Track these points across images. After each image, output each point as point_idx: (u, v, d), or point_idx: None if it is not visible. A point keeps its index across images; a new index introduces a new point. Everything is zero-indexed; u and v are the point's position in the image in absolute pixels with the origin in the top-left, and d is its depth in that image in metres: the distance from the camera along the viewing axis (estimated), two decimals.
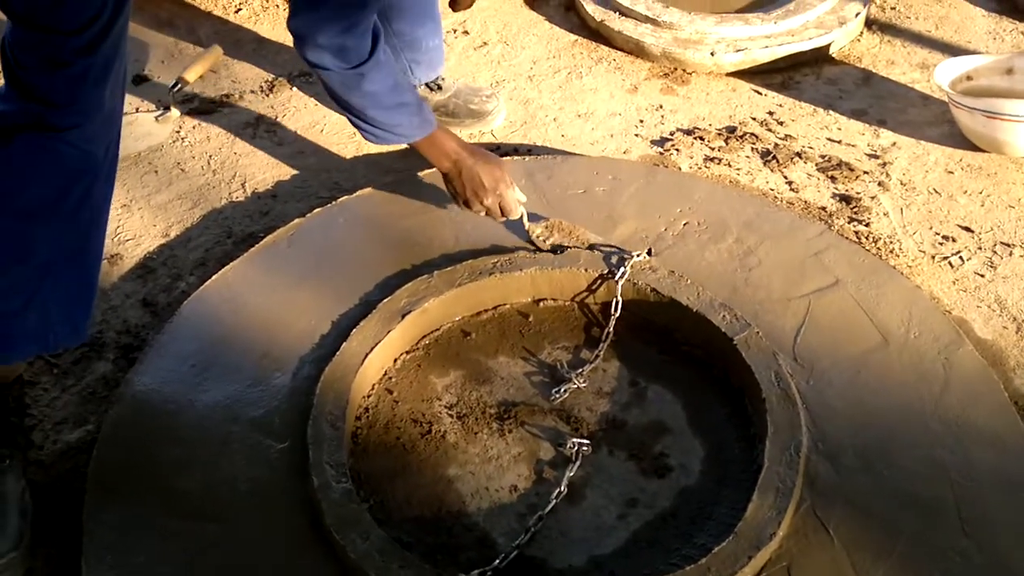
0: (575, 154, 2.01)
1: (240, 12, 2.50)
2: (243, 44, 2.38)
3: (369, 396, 1.52)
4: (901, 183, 1.92)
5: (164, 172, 1.99)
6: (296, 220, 1.79)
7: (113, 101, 1.32)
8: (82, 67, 1.23)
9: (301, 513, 1.31)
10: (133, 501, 1.32)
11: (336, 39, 1.50)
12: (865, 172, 1.94)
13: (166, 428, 1.41)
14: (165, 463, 1.37)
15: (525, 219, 1.70)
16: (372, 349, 1.51)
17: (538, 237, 1.70)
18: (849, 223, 1.82)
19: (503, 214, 1.67)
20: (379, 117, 1.62)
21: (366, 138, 1.70)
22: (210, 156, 2.03)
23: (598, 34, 2.39)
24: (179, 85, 2.15)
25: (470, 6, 1.72)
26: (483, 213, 1.67)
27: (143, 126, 2.12)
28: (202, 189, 1.95)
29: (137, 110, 2.16)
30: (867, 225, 1.82)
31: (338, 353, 1.50)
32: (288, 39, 2.35)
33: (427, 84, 2.05)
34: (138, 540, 1.27)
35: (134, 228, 1.86)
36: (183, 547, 1.27)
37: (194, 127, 2.11)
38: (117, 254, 1.79)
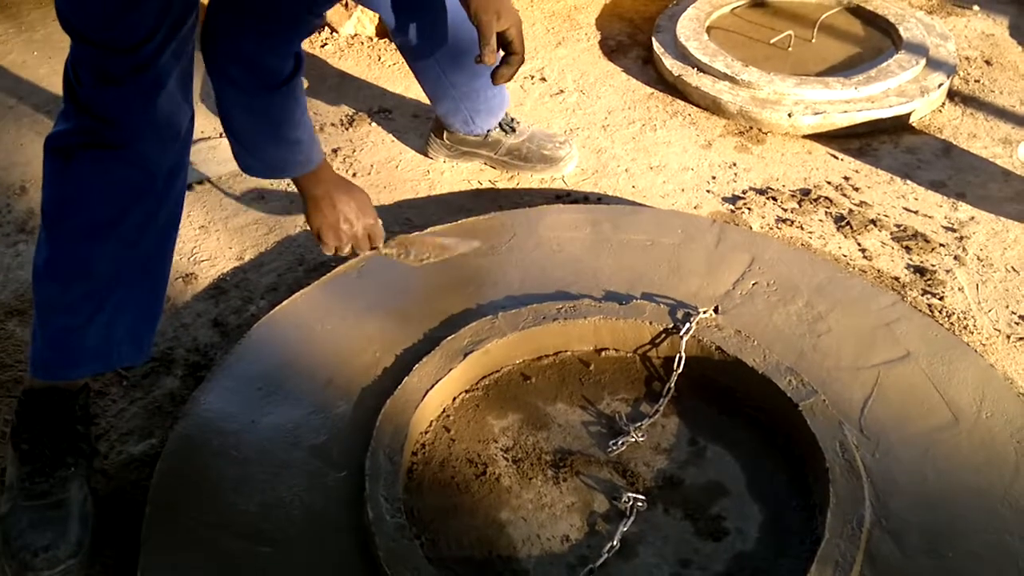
0: (644, 205, 2.02)
1: (325, 47, 2.57)
2: (326, 78, 2.45)
3: (427, 432, 1.53)
4: (978, 258, 1.88)
5: (243, 196, 2.05)
6: (368, 251, 1.82)
7: (173, 121, 1.33)
8: (133, 85, 1.25)
9: (353, 544, 1.31)
10: (191, 517, 1.34)
11: (254, 52, 1.31)
12: (941, 245, 1.91)
13: (228, 448, 1.43)
14: (225, 482, 1.39)
15: (383, 247, 1.64)
16: (433, 386, 1.52)
17: (397, 256, 1.66)
18: (922, 295, 1.79)
19: (369, 243, 1.59)
20: (268, 149, 1.45)
21: (243, 168, 1.51)
22: (288, 184, 2.08)
23: (675, 88, 2.40)
24: None
25: (510, 79, 1.70)
26: (347, 248, 1.57)
27: (226, 151, 2.18)
28: (278, 216, 2.00)
29: (221, 135, 2.23)
30: (941, 299, 1.78)
31: (399, 387, 1.51)
32: (370, 75, 2.45)
33: (501, 127, 2.08)
34: (194, 556, 1.29)
35: (210, 249, 1.91)
36: (237, 567, 1.28)
37: None
38: (192, 274, 1.84)
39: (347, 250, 1.58)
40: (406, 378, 1.52)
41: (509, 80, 1.70)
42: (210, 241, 1.93)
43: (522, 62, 1.68)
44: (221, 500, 1.36)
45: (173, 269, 1.80)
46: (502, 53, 1.65)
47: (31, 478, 1.35)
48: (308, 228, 1.94)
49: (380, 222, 1.60)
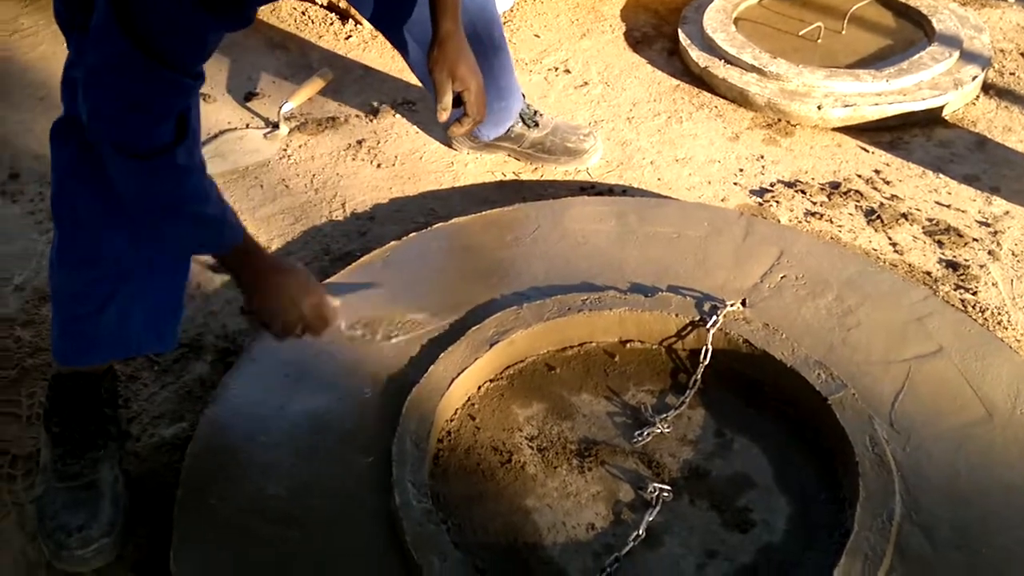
0: (670, 198, 2.01)
1: (350, 39, 2.58)
2: (351, 70, 2.45)
3: (452, 420, 1.53)
4: (1013, 254, 1.85)
5: (269, 187, 2.06)
6: (392, 243, 1.83)
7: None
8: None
9: (381, 528, 1.32)
10: (222, 500, 1.35)
11: (119, 111, 1.12)
12: (975, 239, 1.89)
13: (257, 432, 1.44)
14: (254, 466, 1.40)
15: (343, 325, 1.51)
16: (458, 375, 1.52)
17: (363, 337, 1.57)
18: (955, 290, 1.76)
19: (324, 323, 1.42)
20: (162, 226, 1.26)
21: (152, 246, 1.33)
22: (314, 175, 2.10)
23: (701, 80, 2.39)
24: (288, 105, 2.22)
25: (461, 135, 1.69)
26: (298, 329, 1.39)
27: (252, 142, 2.20)
28: (304, 206, 2.01)
29: (247, 126, 2.25)
30: (974, 294, 1.76)
31: (425, 376, 1.51)
32: (394, 67, 2.45)
33: (524, 121, 2.08)
34: (224, 538, 1.30)
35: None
36: (265, 550, 1.29)
37: (300, 146, 2.18)
38: None
39: (299, 333, 1.40)
40: (432, 367, 1.53)
41: (461, 135, 1.69)
42: None
43: (477, 122, 1.66)
44: (251, 484, 1.38)
45: (203, 256, 1.83)
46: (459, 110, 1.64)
47: (63, 460, 1.37)
48: (334, 220, 1.96)
49: (328, 299, 1.42)
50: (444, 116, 1.63)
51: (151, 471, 1.46)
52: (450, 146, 2.16)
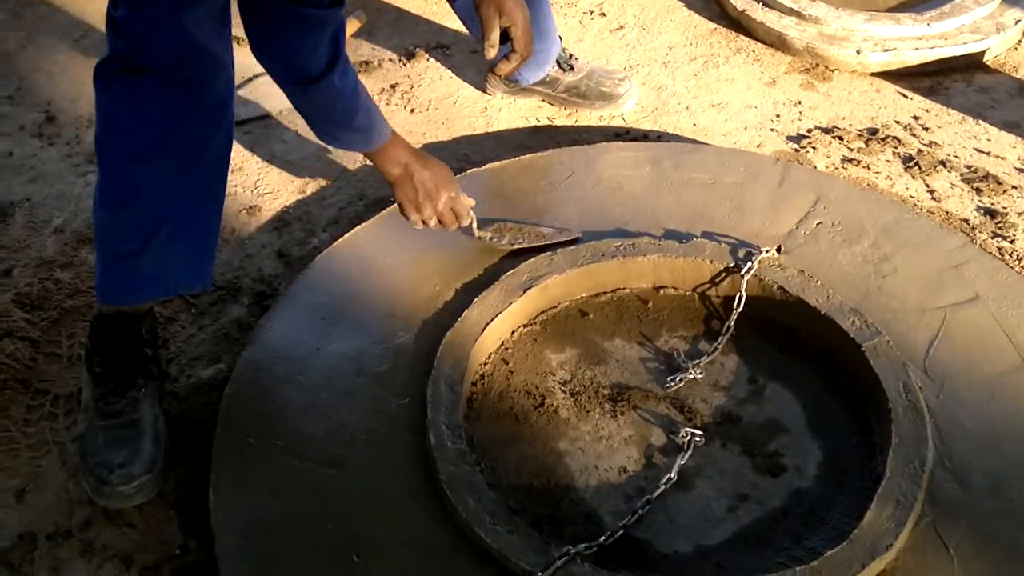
0: (706, 144, 1.99)
1: None
2: (385, 13, 2.43)
3: (485, 364, 1.54)
4: None
5: (304, 132, 2.06)
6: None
7: (206, 49, 1.30)
8: (156, 5, 1.23)
9: (415, 468, 1.34)
10: (260, 439, 1.38)
11: (276, 49, 1.36)
12: (1013, 187, 1.85)
13: (294, 373, 1.47)
14: (291, 406, 1.43)
15: (475, 224, 1.64)
16: (492, 319, 1.53)
17: (490, 240, 1.66)
18: (992, 238, 1.74)
19: (455, 219, 1.62)
20: (326, 128, 1.51)
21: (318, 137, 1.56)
22: None
23: (738, 24, 2.34)
24: None
25: (509, 74, 1.69)
26: (432, 221, 1.61)
27: None
28: (338, 151, 2.01)
29: None
30: (1012, 242, 1.73)
31: (459, 320, 1.52)
32: (428, 11, 2.42)
33: (559, 64, 2.05)
34: (262, 475, 1.33)
35: (272, 182, 1.93)
36: (303, 487, 1.32)
37: None
38: (255, 206, 1.87)
39: (433, 224, 1.60)
40: (466, 311, 1.54)
41: (508, 74, 1.71)
42: (272, 175, 1.95)
43: (524, 58, 1.64)
44: (288, 423, 1.40)
45: (238, 201, 1.84)
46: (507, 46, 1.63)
47: (104, 399, 1.40)
48: (368, 165, 1.96)
49: (465, 197, 1.62)
50: (492, 53, 1.61)
51: (189, 411, 1.49)
52: (484, 91, 2.14)
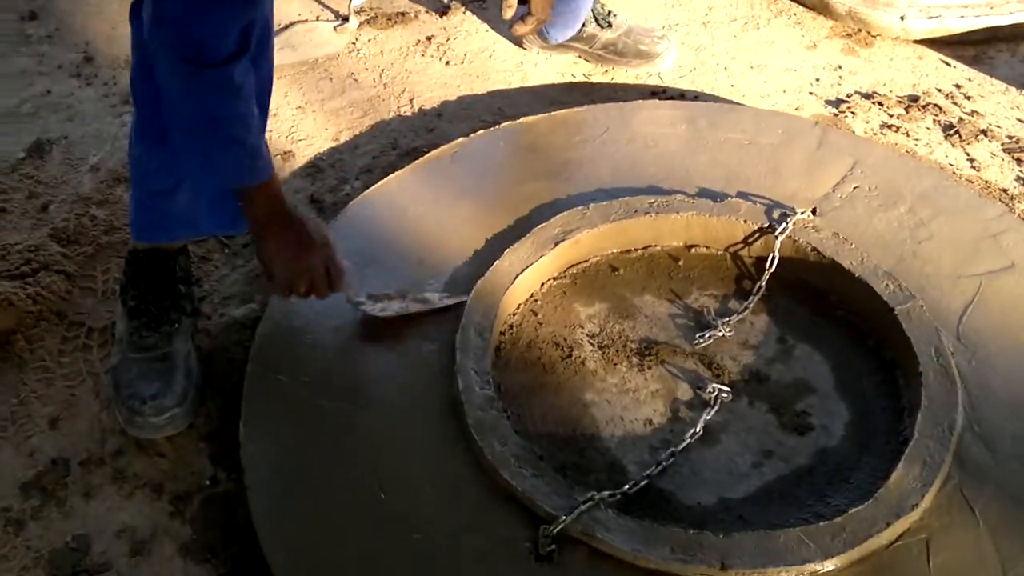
0: (743, 105, 1.97)
1: None
2: None
3: (514, 315, 1.55)
4: None
5: (338, 80, 2.06)
6: (460, 139, 1.82)
7: None
8: None
9: (442, 412, 1.35)
10: (290, 377, 1.39)
11: (183, 19, 1.10)
12: None
13: (325, 316, 1.47)
14: (321, 347, 1.44)
15: (352, 291, 1.42)
16: (523, 271, 1.53)
17: (368, 310, 1.44)
18: None
19: (331, 281, 1.35)
20: (208, 140, 1.21)
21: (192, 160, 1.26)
22: (382, 70, 2.08)
23: None
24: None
25: (524, 35, 1.64)
26: (301, 285, 1.33)
27: (322, 35, 2.19)
28: (372, 100, 2.01)
29: (317, 18, 2.23)
30: None
31: (490, 270, 1.53)
32: None
33: (597, 21, 2.03)
34: (291, 412, 1.35)
35: (307, 129, 1.93)
36: (331, 425, 1.34)
37: (369, 40, 2.16)
38: (289, 152, 1.87)
39: (303, 290, 1.34)
40: (497, 262, 1.54)
41: (524, 35, 1.65)
42: (307, 121, 1.95)
43: (540, 21, 1.59)
44: (318, 363, 1.41)
45: (272, 146, 1.85)
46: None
47: (138, 332, 1.42)
48: (402, 115, 1.95)
49: (338, 261, 1.35)
50: (508, 13, 1.59)
51: (221, 348, 1.50)
52: (520, 46, 2.13)
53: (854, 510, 1.20)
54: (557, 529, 1.19)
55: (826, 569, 1.16)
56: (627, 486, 1.27)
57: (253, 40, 1.16)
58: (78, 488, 1.33)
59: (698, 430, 1.35)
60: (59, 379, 1.45)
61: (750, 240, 1.61)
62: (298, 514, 1.24)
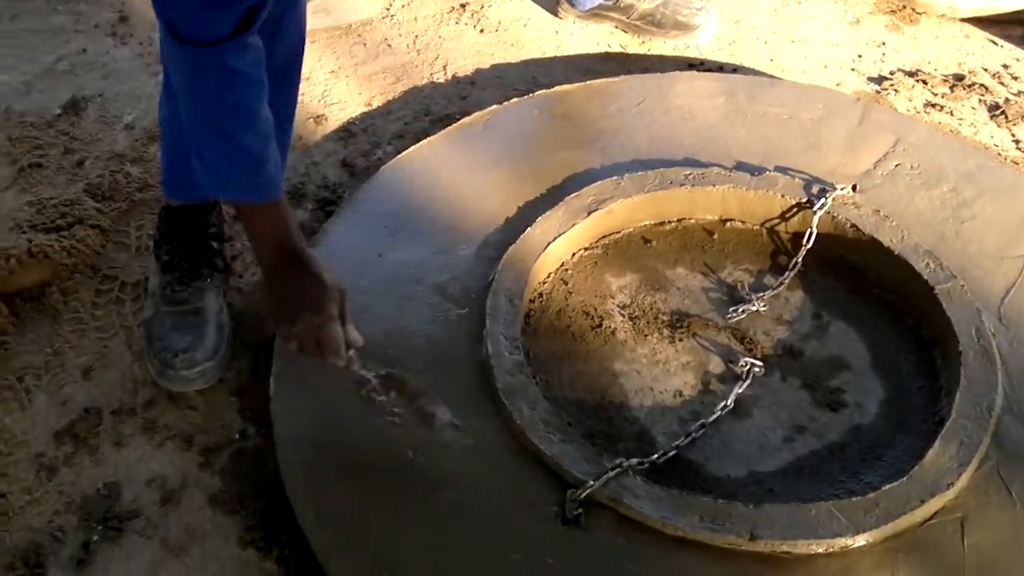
0: (783, 79, 1.93)
1: None
2: None
3: (545, 283, 1.53)
4: None
5: (372, 46, 2.05)
6: (493, 107, 1.81)
7: None
8: None
9: (471, 376, 1.34)
10: None
11: None
12: None
13: (355, 277, 1.47)
14: (351, 307, 1.43)
15: (355, 366, 1.23)
16: (555, 239, 1.52)
17: (368, 392, 1.26)
18: None
19: (320, 349, 1.18)
20: (206, 137, 1.09)
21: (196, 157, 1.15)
22: (416, 36, 2.07)
23: None
24: None
25: None
26: (292, 338, 1.18)
27: (356, 0, 2.18)
28: (406, 66, 1.99)
29: None
30: None
31: (522, 237, 1.51)
32: None
33: None
34: (321, 370, 1.34)
35: (339, 93, 1.92)
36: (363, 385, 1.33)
37: (403, 6, 2.14)
38: (322, 115, 1.86)
39: (294, 347, 1.19)
40: (529, 229, 1.53)
41: None
42: (340, 86, 1.94)
43: None
44: None
45: (305, 109, 1.84)
46: None
47: (171, 286, 1.42)
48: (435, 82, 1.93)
49: (337, 329, 1.17)
50: None
51: (252, 306, 1.50)
52: (555, 14, 2.10)
53: (888, 487, 1.18)
54: (585, 494, 1.18)
55: (857, 544, 1.14)
56: (656, 455, 1.26)
57: (256, 23, 1.02)
58: (109, 437, 1.34)
59: (729, 403, 1.34)
60: (92, 331, 1.46)
61: (787, 215, 1.59)
62: (326, 470, 1.25)
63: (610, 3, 2.01)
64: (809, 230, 1.53)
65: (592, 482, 1.18)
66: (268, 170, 1.10)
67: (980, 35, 2.04)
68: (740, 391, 1.35)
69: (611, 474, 1.19)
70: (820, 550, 1.14)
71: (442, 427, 1.24)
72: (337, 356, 1.18)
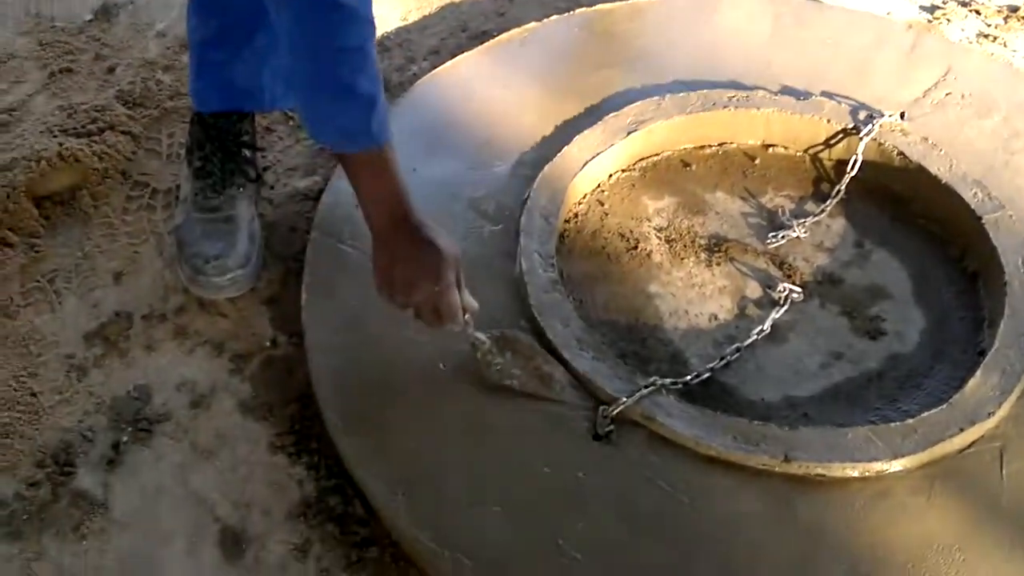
0: (832, 5, 1.86)
1: None
2: None
3: (580, 204, 1.51)
4: None
5: None
6: (532, 24, 1.76)
7: None
8: None
9: (504, 292, 1.33)
10: (352, 246, 1.37)
11: None
12: None
13: None
14: None
15: (471, 330, 1.18)
16: (592, 158, 1.49)
17: (484, 355, 1.21)
18: None
19: (439, 317, 1.13)
20: (318, 77, 1.04)
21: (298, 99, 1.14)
22: None
23: None
24: None
25: None
26: (404, 307, 1.13)
27: None
28: None
29: None
30: None
31: (559, 155, 1.48)
32: None
33: None
34: (353, 278, 1.33)
35: (375, 8, 1.86)
36: None
37: None
38: None
39: (409, 313, 1.14)
40: (566, 147, 1.49)
41: None
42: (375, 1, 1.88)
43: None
44: None
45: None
46: None
47: (203, 193, 1.40)
48: None
49: (467, 296, 1.14)
50: None
51: (284, 217, 1.49)
52: None
53: (927, 413, 1.16)
54: (617, 410, 1.17)
55: (893, 469, 1.13)
56: (690, 376, 1.24)
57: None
58: (140, 341, 1.33)
59: (766, 327, 1.31)
60: (123, 236, 1.45)
61: (832, 141, 1.54)
62: (356, 378, 1.24)
63: None
64: (854, 157, 1.49)
65: (625, 399, 1.17)
66: (379, 115, 1.05)
67: None
68: (777, 316, 1.33)
69: (644, 391, 1.18)
70: (855, 474, 1.12)
71: (561, 389, 1.20)
72: (455, 323, 1.14)
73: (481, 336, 1.20)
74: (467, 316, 1.16)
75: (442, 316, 1.13)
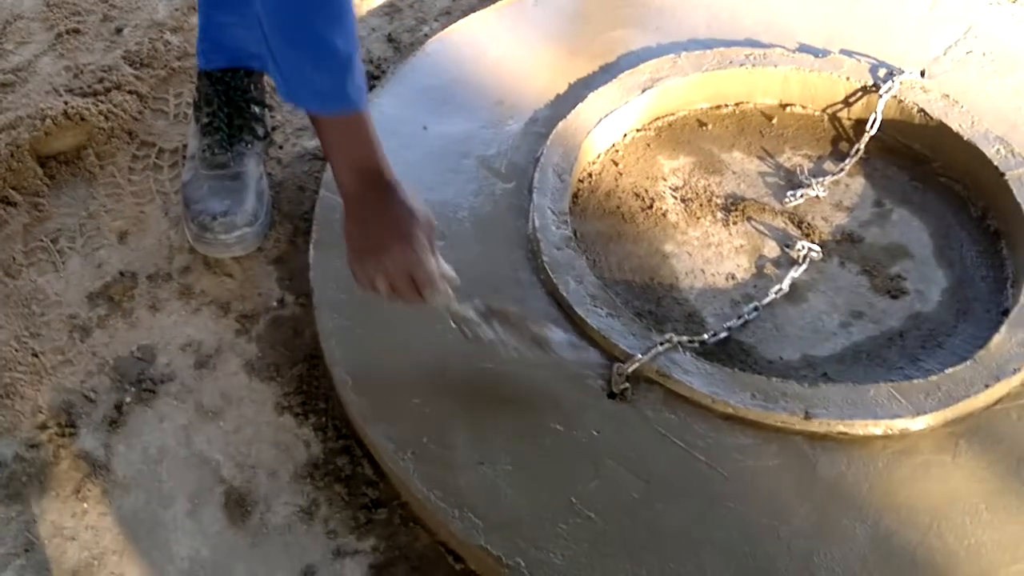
0: None
1: None
2: None
3: (594, 163, 1.48)
4: None
5: None
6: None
7: None
8: None
9: (516, 250, 1.30)
10: None
11: None
12: None
13: (399, 147, 1.41)
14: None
15: (455, 304, 1.09)
16: (606, 116, 1.45)
17: (473, 332, 1.12)
18: None
19: (417, 287, 1.06)
20: (284, 43, 0.99)
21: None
22: None
23: None
24: None
25: None
26: (380, 284, 1.06)
27: None
28: None
29: None
30: None
31: (573, 112, 1.45)
32: None
33: None
34: None
35: None
36: None
37: None
38: None
39: (384, 290, 1.07)
40: (580, 104, 1.46)
41: None
42: None
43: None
44: None
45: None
46: None
47: (211, 149, 1.38)
48: None
49: (443, 265, 1.07)
50: None
51: (292, 177, 1.46)
52: None
53: (951, 370, 1.13)
54: (633, 368, 1.14)
55: (916, 427, 1.10)
56: (706, 335, 1.21)
57: None
58: (144, 301, 1.31)
59: (784, 286, 1.28)
60: (128, 196, 1.43)
61: (851, 100, 1.51)
62: (365, 335, 1.21)
63: None
64: (873, 115, 1.45)
65: (640, 355, 1.14)
66: (355, 76, 1.00)
67: None
68: (796, 275, 1.30)
69: (660, 348, 1.15)
70: (878, 431, 1.09)
71: (561, 346, 1.12)
72: (435, 292, 1.05)
73: (465, 310, 1.10)
74: (447, 288, 1.07)
75: (420, 285, 1.05)
